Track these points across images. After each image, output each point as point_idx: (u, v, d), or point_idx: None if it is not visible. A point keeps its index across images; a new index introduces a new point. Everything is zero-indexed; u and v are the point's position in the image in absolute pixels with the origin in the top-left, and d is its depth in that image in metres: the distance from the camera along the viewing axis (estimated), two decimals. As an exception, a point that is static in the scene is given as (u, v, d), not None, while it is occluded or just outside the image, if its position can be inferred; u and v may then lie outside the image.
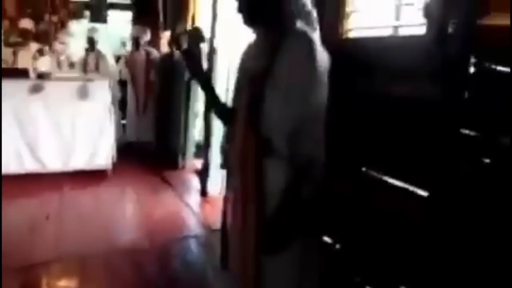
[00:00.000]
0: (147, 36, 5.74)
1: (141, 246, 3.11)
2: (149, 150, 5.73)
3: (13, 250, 2.95)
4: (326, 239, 2.38)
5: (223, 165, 1.74)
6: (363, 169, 2.18)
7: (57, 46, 5.07)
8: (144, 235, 3.40)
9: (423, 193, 1.77)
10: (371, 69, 2.08)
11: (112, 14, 6.83)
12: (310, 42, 1.37)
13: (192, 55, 1.61)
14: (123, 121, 5.99)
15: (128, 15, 6.85)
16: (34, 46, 5.19)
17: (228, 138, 1.64)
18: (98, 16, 6.48)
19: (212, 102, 1.65)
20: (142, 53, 5.69)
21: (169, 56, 5.44)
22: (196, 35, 1.32)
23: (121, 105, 5.93)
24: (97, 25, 6.15)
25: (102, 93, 4.58)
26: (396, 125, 1.97)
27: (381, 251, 2.03)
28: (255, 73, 1.45)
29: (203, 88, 1.63)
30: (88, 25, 5.95)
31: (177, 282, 2.60)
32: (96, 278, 2.67)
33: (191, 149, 4.91)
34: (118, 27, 6.84)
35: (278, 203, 1.37)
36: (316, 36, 1.42)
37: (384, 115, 2.02)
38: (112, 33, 6.60)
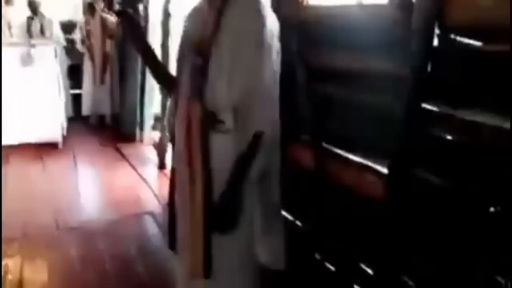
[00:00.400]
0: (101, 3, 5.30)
1: (92, 223, 2.96)
2: (105, 123, 5.49)
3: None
4: (287, 215, 2.33)
5: (171, 139, 1.62)
6: (324, 144, 2.12)
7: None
8: (96, 211, 3.26)
9: (383, 170, 1.73)
10: (332, 39, 1.98)
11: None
12: (258, 4, 1.25)
13: (129, 18, 1.43)
14: (79, 91, 5.68)
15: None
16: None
17: (172, 110, 1.51)
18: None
19: (154, 71, 1.51)
20: (97, 19, 5.26)
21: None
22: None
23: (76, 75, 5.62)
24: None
25: (49, 59, 4.24)
26: (357, 98, 1.90)
27: (342, 228, 2.00)
28: (198, 39, 1.32)
29: (143, 56, 1.49)
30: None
31: (131, 263, 2.47)
32: (42, 256, 2.50)
33: (149, 122, 4.69)
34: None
35: (227, 180, 1.28)
36: None
37: (346, 88, 1.95)
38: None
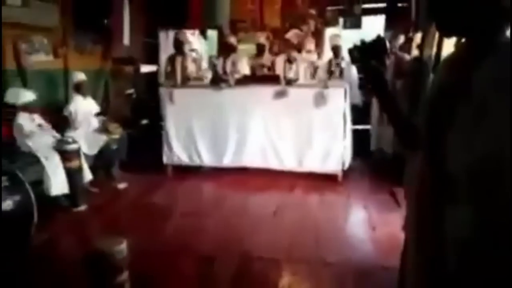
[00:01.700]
0: (399, 40, 5.39)
1: (345, 265, 2.95)
2: (387, 161, 5.46)
3: (232, 241, 3.35)
4: None
5: None
6: None
7: (304, 54, 5.40)
8: (356, 254, 3.20)
9: None
10: None
11: (367, 20, 6.76)
12: None
13: (373, 68, 1.34)
14: (367, 127, 5.90)
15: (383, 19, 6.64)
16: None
17: (408, 165, 1.32)
18: (352, 22, 6.54)
19: (394, 123, 1.36)
20: (392, 58, 5.39)
21: (419, 60, 4.99)
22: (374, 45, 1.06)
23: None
24: (350, 32, 6.27)
25: (338, 100, 4.61)
26: None
27: None
28: (444, 90, 1.11)
29: (382, 104, 1.37)
30: (331, 32, 6.10)
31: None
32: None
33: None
34: (372, 32, 6.75)
35: (457, 256, 1.04)
36: None
37: None
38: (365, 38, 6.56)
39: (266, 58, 5.86)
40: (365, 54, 1.31)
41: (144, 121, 6.18)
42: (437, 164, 1.08)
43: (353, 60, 1.35)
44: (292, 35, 5.67)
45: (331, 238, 3.43)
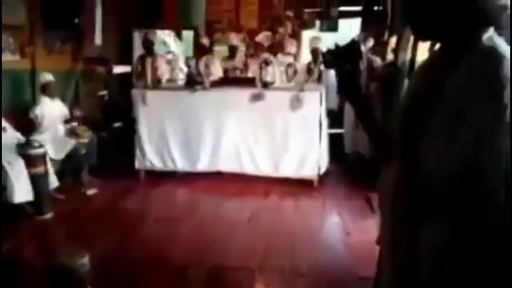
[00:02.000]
0: (369, 43, 5.42)
1: (320, 274, 2.89)
2: (363, 164, 5.44)
3: (206, 249, 3.24)
4: None
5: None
6: None
7: (281, 56, 5.34)
8: (331, 263, 3.13)
9: None
10: None
11: (344, 22, 6.77)
12: (499, 67, 0.86)
13: (346, 72, 1.29)
14: (341, 130, 5.89)
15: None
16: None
17: (383, 173, 1.27)
18: (329, 25, 6.53)
19: (368, 130, 1.31)
20: (363, 61, 5.39)
21: (393, 65, 5.00)
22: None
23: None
24: (327, 34, 6.25)
25: (313, 104, 4.56)
26: None
27: None
28: (418, 96, 1.08)
29: (356, 110, 1.32)
30: (310, 35, 6.08)
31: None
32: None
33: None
34: (347, 35, 6.75)
35: (430, 265, 1.00)
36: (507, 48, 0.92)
37: None
38: (341, 41, 6.55)
39: (239, 60, 5.79)
40: (338, 58, 1.26)
41: (117, 124, 5.99)
42: (411, 171, 1.03)
43: (327, 64, 1.30)
44: (262, 37, 5.62)
45: (305, 246, 3.38)
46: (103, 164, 4.85)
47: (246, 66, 5.60)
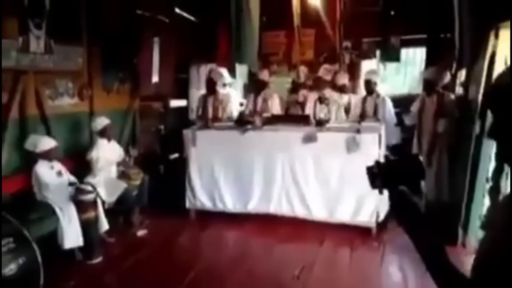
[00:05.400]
0: (444, 80, 4.71)
1: None
2: (429, 210, 4.93)
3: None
4: None
5: None
6: None
7: (335, 94, 5.05)
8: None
9: None
10: None
11: (406, 52, 6.32)
12: None
13: (401, 194, 1.02)
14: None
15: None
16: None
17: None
18: (390, 55, 6.12)
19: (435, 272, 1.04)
20: (434, 97, 4.80)
21: (464, 100, 4.47)
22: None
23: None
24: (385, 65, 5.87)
25: (371, 146, 4.22)
26: None
27: None
28: None
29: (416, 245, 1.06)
30: (368, 67, 5.72)
31: None
32: None
33: (475, 223, 3.82)
34: (412, 65, 6.31)
35: None
36: None
37: None
38: (407, 73, 6.16)
39: (301, 94, 5.58)
40: (390, 176, 1.00)
41: (173, 156, 6.00)
42: None
43: (373, 183, 1.03)
44: (323, 71, 5.36)
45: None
46: (154, 202, 4.84)
47: (305, 100, 5.38)
